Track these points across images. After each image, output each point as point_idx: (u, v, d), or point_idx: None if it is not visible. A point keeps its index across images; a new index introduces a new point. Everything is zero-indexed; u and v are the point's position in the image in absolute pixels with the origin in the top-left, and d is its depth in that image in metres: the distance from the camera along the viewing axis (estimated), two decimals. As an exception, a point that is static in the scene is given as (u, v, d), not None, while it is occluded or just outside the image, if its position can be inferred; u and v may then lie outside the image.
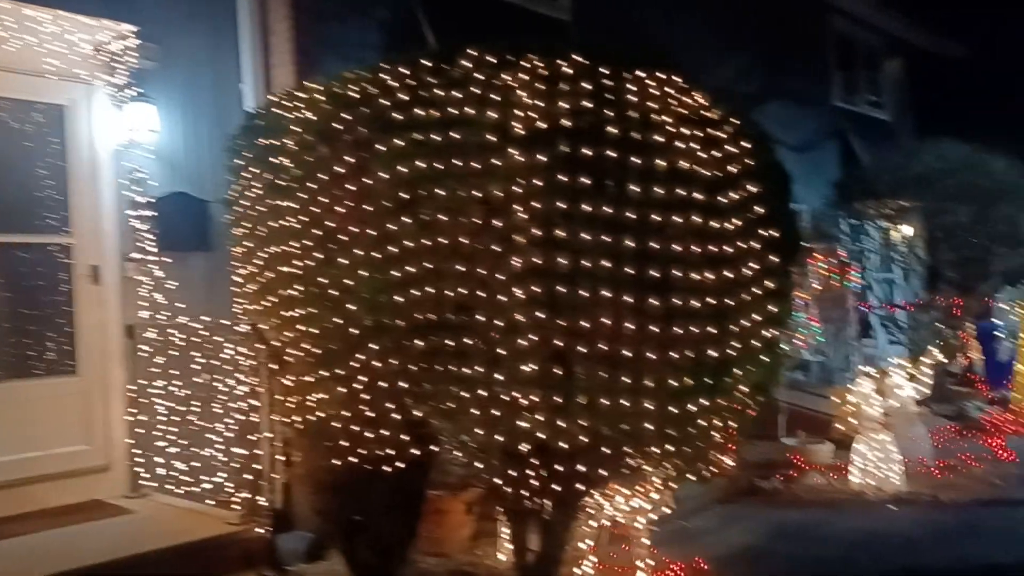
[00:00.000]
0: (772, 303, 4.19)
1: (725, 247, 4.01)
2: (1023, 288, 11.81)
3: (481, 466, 4.26)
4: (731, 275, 4.02)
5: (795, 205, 4.66)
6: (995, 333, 12.15)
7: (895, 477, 8.12)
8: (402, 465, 4.83)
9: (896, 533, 6.64)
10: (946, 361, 9.80)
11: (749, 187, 4.09)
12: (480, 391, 4.02)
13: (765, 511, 7.48)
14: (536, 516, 4.90)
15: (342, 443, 4.69)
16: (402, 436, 4.52)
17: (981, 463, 8.74)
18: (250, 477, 5.01)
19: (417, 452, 4.59)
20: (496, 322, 3.93)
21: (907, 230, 13.39)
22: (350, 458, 4.73)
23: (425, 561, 6.05)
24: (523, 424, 3.97)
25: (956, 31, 16.93)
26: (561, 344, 3.87)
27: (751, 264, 4.09)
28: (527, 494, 4.62)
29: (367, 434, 4.59)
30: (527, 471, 4.09)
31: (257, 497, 4.97)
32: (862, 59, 15.83)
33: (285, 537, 6.45)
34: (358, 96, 4.24)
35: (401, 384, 4.35)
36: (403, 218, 4.09)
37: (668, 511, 5.69)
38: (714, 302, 3.98)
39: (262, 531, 4.97)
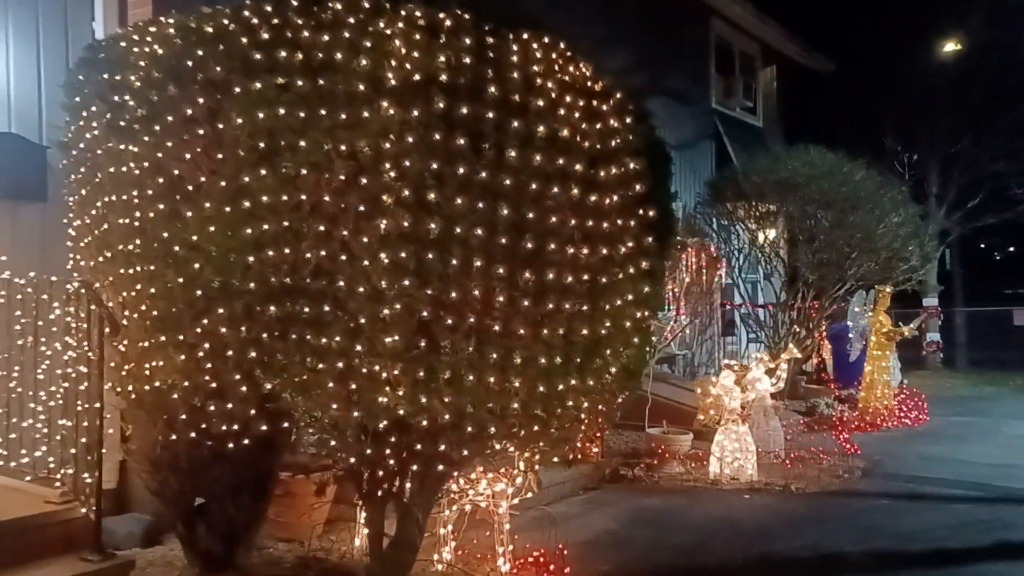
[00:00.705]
0: (645, 284, 4.10)
1: (603, 223, 3.87)
2: (875, 293, 12.45)
3: (336, 444, 3.96)
4: (607, 252, 3.90)
5: (671, 197, 4.62)
6: (847, 335, 12.77)
7: (750, 468, 8.35)
8: (249, 443, 4.46)
9: (750, 521, 6.79)
10: (800, 357, 10.18)
11: (629, 163, 3.97)
12: (337, 363, 3.72)
13: (627, 498, 7.53)
14: (394, 499, 4.66)
15: (182, 417, 4.28)
16: (250, 411, 4.15)
17: (829, 456, 9.12)
18: (75, 452, 4.49)
19: (266, 429, 4.23)
20: (358, 289, 3.64)
21: (772, 233, 13.93)
22: (192, 434, 4.33)
23: (275, 547, 5.68)
24: (383, 400, 3.70)
25: (826, 47, 17.77)
26: (427, 315, 3.63)
27: (627, 242, 3.98)
28: (384, 475, 4.37)
29: (211, 408, 4.19)
30: (385, 450, 3.83)
31: (83, 474, 4.46)
32: (740, 65, 16.34)
33: (119, 519, 5.92)
34: (214, 32, 3.83)
35: (251, 354, 3.98)
36: (260, 171, 3.73)
37: (531, 496, 5.57)
38: (588, 279, 3.84)
39: (86, 511, 4.46)
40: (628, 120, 4.05)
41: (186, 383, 4.14)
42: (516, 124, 3.60)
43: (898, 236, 12.61)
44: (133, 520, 5.86)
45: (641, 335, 4.19)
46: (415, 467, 4.10)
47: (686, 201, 13.66)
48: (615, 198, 3.91)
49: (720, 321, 15.67)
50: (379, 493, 4.60)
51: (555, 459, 4.52)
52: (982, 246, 29.21)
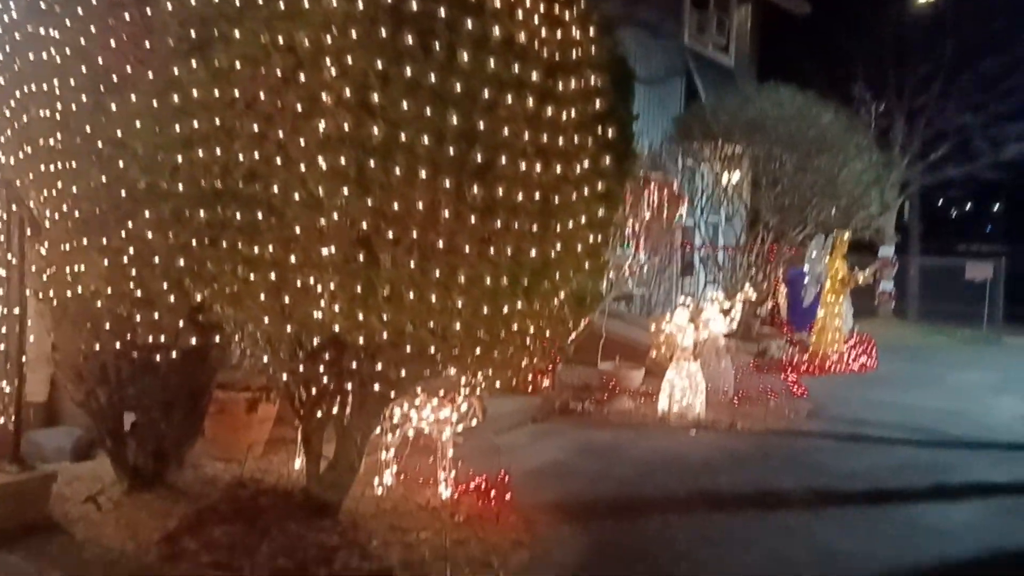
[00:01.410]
0: (600, 207, 3.92)
1: (559, 139, 3.66)
2: (833, 238, 12.45)
3: (269, 360, 3.77)
4: (561, 171, 3.69)
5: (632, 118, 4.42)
6: (803, 280, 12.81)
7: (698, 405, 8.36)
8: (179, 356, 4.26)
9: (695, 456, 6.80)
10: (754, 300, 10.18)
11: (590, 77, 3.75)
12: (270, 274, 3.50)
13: (576, 431, 7.49)
14: (332, 420, 4.51)
15: (107, 326, 4.05)
16: (179, 322, 3.93)
17: (777, 397, 9.19)
18: (-7, 360, 4.26)
19: (197, 342, 4.03)
20: (293, 196, 3.41)
21: (736, 176, 13.81)
22: (117, 344, 4.11)
23: (211, 466, 5.53)
24: (317, 315, 3.51)
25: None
26: (367, 227, 3.42)
27: (583, 162, 3.78)
28: (320, 395, 4.21)
29: (138, 318, 3.96)
30: (319, 368, 3.65)
31: (1, 383, 4.24)
32: (714, 1, 15.96)
33: (49, 432, 5.71)
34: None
35: (180, 262, 3.75)
36: (191, 63, 3.44)
37: (478, 425, 5.47)
38: (540, 198, 3.65)
39: (3, 421, 4.25)
40: (591, 31, 3.80)
41: (110, 290, 3.89)
42: (470, 24, 3.34)
43: (860, 182, 12.59)
44: (64, 434, 5.66)
45: (593, 260, 4.02)
46: (352, 387, 3.93)
47: (652, 137, 13.43)
48: (573, 113, 3.69)
49: (680, 261, 15.68)
50: (316, 413, 4.46)
51: (498, 384, 4.36)
52: (940, 201, 29.46)
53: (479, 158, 3.45)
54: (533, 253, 3.66)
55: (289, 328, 3.56)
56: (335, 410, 4.37)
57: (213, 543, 4.13)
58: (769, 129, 12.07)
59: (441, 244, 3.46)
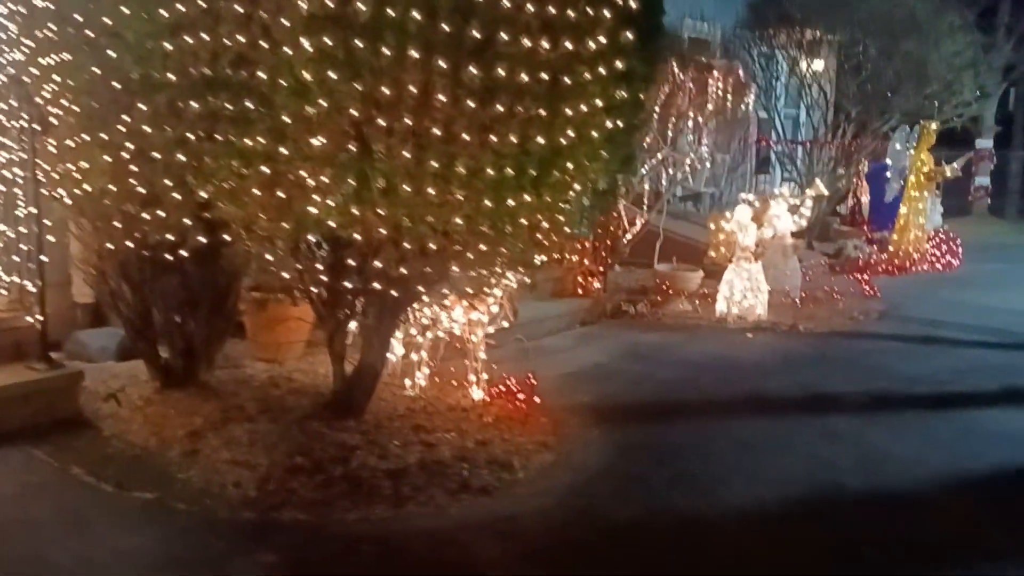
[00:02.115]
0: (620, 88, 3.58)
1: (568, 10, 3.32)
2: (920, 129, 11.56)
3: (271, 258, 3.66)
4: (572, 47, 3.36)
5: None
6: (886, 174, 12.02)
7: (759, 307, 8.01)
8: (197, 255, 4.20)
9: (747, 358, 6.53)
10: (827, 195, 9.57)
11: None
12: (262, 167, 3.35)
13: (624, 333, 7.29)
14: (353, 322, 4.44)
15: (117, 224, 4.00)
16: (184, 220, 3.84)
17: (846, 298, 8.74)
18: (17, 259, 4.29)
19: (204, 240, 3.94)
20: (280, 82, 3.20)
21: (817, 65, 12.89)
22: (129, 243, 4.06)
23: (251, 367, 5.57)
24: (312, 210, 3.35)
25: None
26: (357, 115, 3.20)
27: (598, 37, 3.43)
28: (334, 295, 4.11)
29: (145, 216, 3.90)
30: (316, 266, 3.51)
31: (25, 282, 4.28)
32: None
33: (94, 333, 5.84)
34: None
35: (179, 157, 3.63)
36: (170, -59, 3.22)
37: (522, 327, 5.33)
38: (548, 79, 3.34)
39: (32, 320, 4.31)
40: None
41: (115, 188, 3.82)
42: None
43: (952, 67, 11.56)
44: (108, 335, 5.77)
45: (613, 148, 3.71)
46: (363, 288, 3.80)
47: (724, 23, 12.59)
48: (583, -20, 3.33)
49: (754, 158, 14.93)
50: (336, 314, 4.38)
51: (528, 281, 4.14)
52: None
53: (476, 34, 3.16)
54: (540, 141, 3.38)
55: (286, 225, 3.42)
56: (350, 312, 4.29)
57: (234, 441, 4.16)
58: (851, 10, 11.11)
59: (437, 132, 3.22)
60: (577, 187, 3.69)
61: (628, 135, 3.91)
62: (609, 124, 3.64)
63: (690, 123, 9.39)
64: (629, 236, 9.06)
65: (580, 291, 8.11)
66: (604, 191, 4.00)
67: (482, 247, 3.46)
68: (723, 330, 7.57)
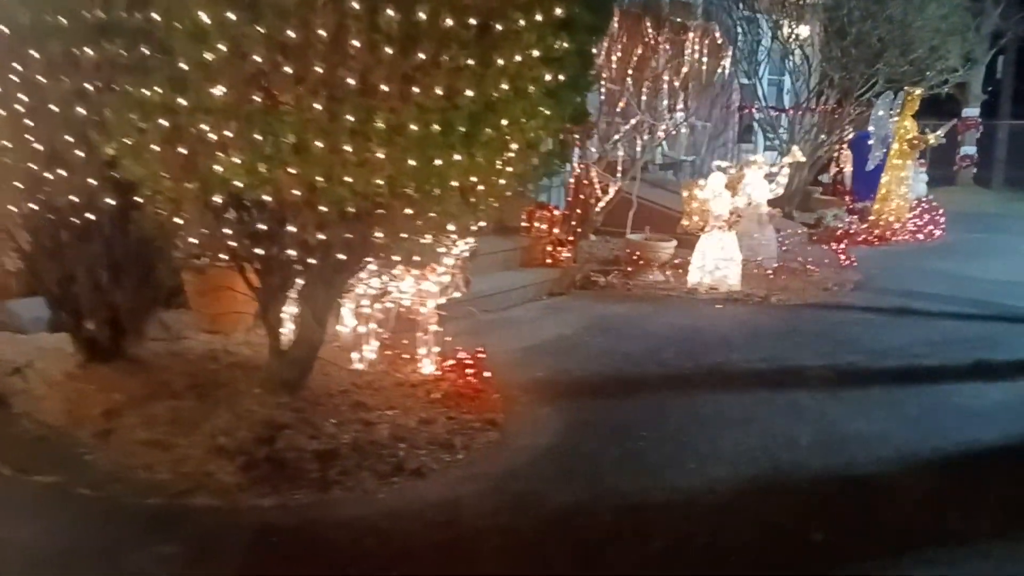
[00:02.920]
0: (559, 38, 3.28)
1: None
2: (903, 96, 11.26)
3: (179, 222, 3.36)
4: (501, -10, 3.05)
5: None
6: (867, 142, 11.74)
7: (732, 277, 7.77)
8: (106, 218, 3.90)
9: (714, 331, 6.28)
10: (803, 161, 9.28)
11: None
12: (161, 121, 3.04)
13: (592, 305, 7.03)
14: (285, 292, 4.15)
15: (20, 185, 3.69)
16: (90, 180, 3.53)
17: (822, 269, 8.51)
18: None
19: (114, 203, 3.64)
20: (176, 25, 2.89)
21: (801, 29, 12.55)
22: (32, 205, 3.75)
23: (196, 338, 5.29)
24: (218, 168, 3.05)
25: None
26: (261, 62, 2.89)
27: (532, -22, 3.12)
28: (264, 263, 3.82)
29: (47, 175, 3.58)
30: (226, 231, 3.22)
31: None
32: None
33: (27, 302, 5.52)
34: None
35: (78, 110, 3.32)
36: None
37: (459, 296, 5.06)
38: (477, 24, 3.03)
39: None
40: None
41: (12, 144, 3.50)
42: None
43: (938, 32, 11.24)
44: (42, 304, 5.48)
45: (556, 105, 3.41)
46: (279, 256, 3.51)
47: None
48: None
49: (736, 126, 14.62)
50: (267, 284, 4.09)
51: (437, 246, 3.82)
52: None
53: (393, -26, 2.85)
54: (470, 94, 3.08)
55: (190, 185, 3.11)
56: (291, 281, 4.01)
57: (154, 419, 3.88)
58: (834, -29, 10.77)
59: (352, 82, 2.92)
60: (515, 146, 3.38)
61: (574, 90, 3.61)
62: (549, 77, 3.33)
63: (665, 87, 9.06)
64: (602, 204, 8.77)
65: (549, 261, 7.85)
66: (552, 152, 3.69)
67: (408, 211, 3.16)
68: (694, 301, 7.34)
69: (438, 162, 3.09)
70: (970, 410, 4.62)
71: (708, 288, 7.69)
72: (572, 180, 8.66)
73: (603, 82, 8.66)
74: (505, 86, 3.16)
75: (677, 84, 9.24)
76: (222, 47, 2.84)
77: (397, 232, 3.24)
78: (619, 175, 8.86)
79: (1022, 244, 10.55)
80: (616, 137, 8.79)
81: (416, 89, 2.96)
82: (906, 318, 6.78)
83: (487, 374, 4.83)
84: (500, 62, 3.09)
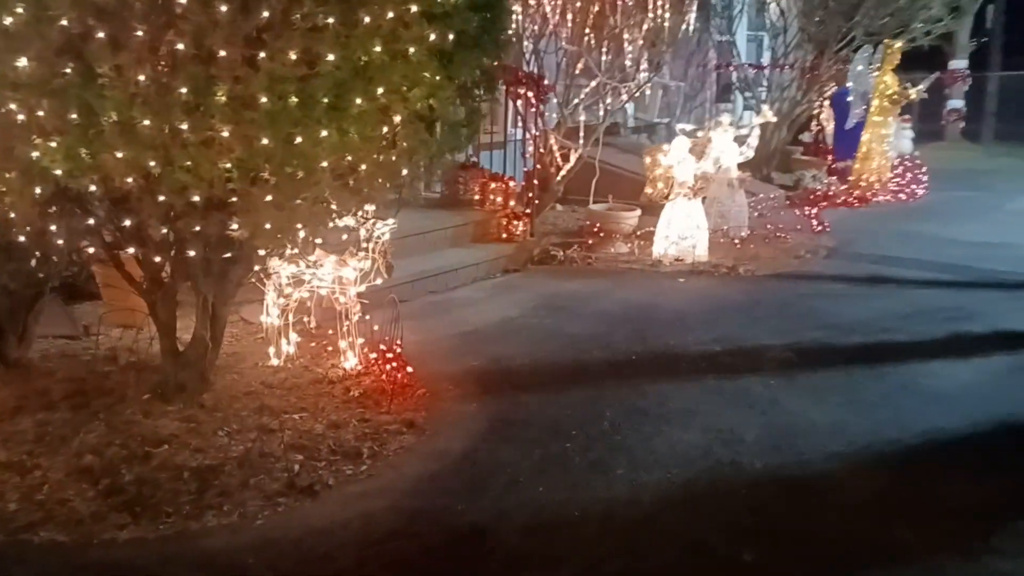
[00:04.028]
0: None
1: None
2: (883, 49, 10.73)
3: (13, 216, 2.91)
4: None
5: None
6: (847, 99, 11.24)
7: (699, 248, 7.34)
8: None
9: (671, 309, 5.86)
10: (774, 121, 8.79)
11: None
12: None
13: (546, 282, 6.61)
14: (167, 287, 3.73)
15: None
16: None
17: (795, 235, 8.08)
18: None
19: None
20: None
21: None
22: None
23: (107, 335, 4.86)
24: (34, 154, 2.60)
25: None
26: (71, 25, 2.43)
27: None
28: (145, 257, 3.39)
29: None
30: (50, 226, 2.78)
31: None
32: None
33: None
34: None
35: None
36: None
37: (380, 283, 4.63)
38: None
39: None
40: None
41: None
42: None
43: (919, -22, 10.70)
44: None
45: (449, 68, 2.95)
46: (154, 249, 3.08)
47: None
48: None
49: (714, 85, 14.07)
50: (152, 280, 3.67)
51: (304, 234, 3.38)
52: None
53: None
54: (332, 58, 2.62)
55: (10, 175, 2.67)
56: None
57: (17, 436, 3.48)
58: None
59: (184, 48, 2.46)
60: (398, 119, 2.93)
61: (474, 51, 3.14)
62: (434, 36, 2.87)
63: (628, 46, 8.53)
64: (563, 173, 8.29)
65: (505, 236, 7.41)
66: (456, 124, 3.24)
67: (268, 198, 2.71)
68: (655, 275, 6.92)
69: (299, 140, 2.64)
70: (935, 393, 4.23)
71: (673, 260, 7.27)
72: (529, 149, 8.18)
73: (563, 43, 8.16)
74: (378, 48, 2.70)
75: (641, 42, 8.70)
76: (21, 9, 2.38)
77: (258, 223, 2.80)
78: (581, 141, 8.37)
79: (1008, 202, 10.11)
80: (576, 101, 8.29)
81: (263, 54, 2.50)
82: (878, 287, 6.36)
83: (412, 368, 4.42)
84: (368, 20, 2.63)
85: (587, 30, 8.11)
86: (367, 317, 4.70)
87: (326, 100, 2.63)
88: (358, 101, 2.70)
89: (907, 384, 4.36)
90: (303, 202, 2.81)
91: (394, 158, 3.07)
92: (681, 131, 7.68)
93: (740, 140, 8.27)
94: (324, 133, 2.69)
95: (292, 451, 3.54)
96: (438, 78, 2.94)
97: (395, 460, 3.56)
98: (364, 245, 4.52)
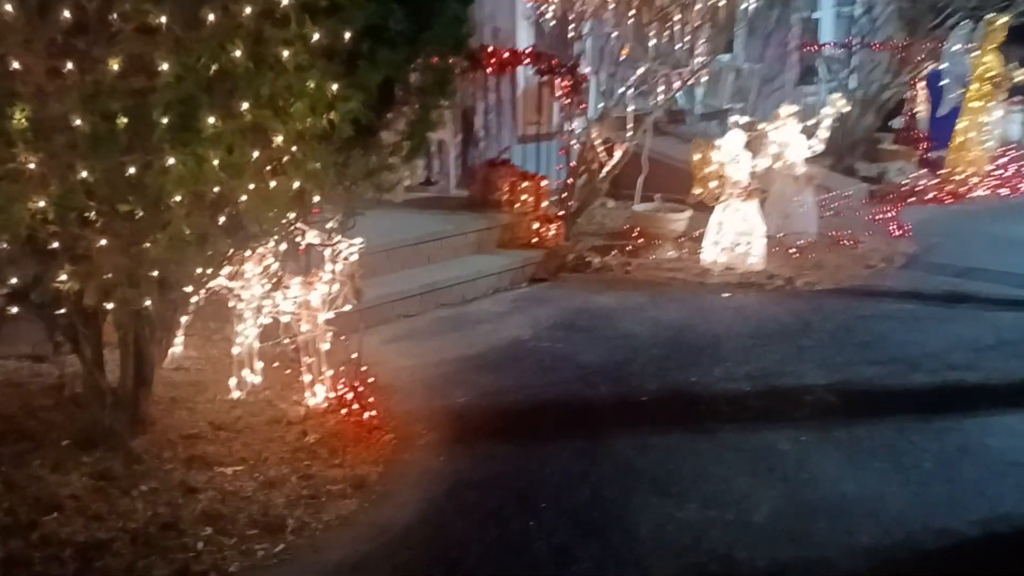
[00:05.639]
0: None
1: None
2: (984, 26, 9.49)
3: None
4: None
5: None
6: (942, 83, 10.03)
7: (754, 255, 6.52)
8: None
9: (708, 331, 5.11)
10: (847, 110, 7.77)
11: None
12: None
13: (575, 294, 5.95)
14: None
15: None
16: None
17: (870, 239, 7.12)
18: None
19: None
20: None
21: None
22: None
23: (32, 367, 4.41)
24: None
25: None
26: None
27: None
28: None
29: None
30: None
31: None
32: None
33: None
34: None
35: None
36: None
37: (349, 307, 4.09)
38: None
39: None
40: None
41: None
42: None
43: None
44: None
45: (323, 77, 2.33)
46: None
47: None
48: None
49: (796, 67, 12.94)
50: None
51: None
52: None
53: None
54: (165, 67, 2.05)
55: None
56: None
57: None
58: None
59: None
60: (279, 139, 2.34)
61: (399, 49, 2.51)
62: (318, 36, 2.25)
63: (680, 28, 7.69)
64: (607, 169, 7.55)
65: (536, 240, 6.76)
66: (378, 143, 2.62)
67: (103, 242, 2.18)
68: (699, 288, 6.15)
69: (131, 171, 2.08)
70: (1007, 460, 3.39)
71: (724, 269, 6.47)
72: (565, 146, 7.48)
73: (607, 26, 7.42)
74: (237, 53, 2.10)
75: (699, 23, 7.84)
76: None
77: (93, 272, 2.27)
78: (629, 133, 7.60)
79: None
80: (621, 90, 7.52)
81: (70, 65, 1.95)
82: (957, 308, 5.42)
83: (391, 402, 3.90)
84: (212, 18, 2.04)
85: (632, 10, 7.33)
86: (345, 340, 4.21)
87: (166, 120, 2.06)
88: (211, 120, 2.12)
89: (970, 446, 3.52)
90: (155, 244, 2.27)
91: (297, 183, 2.47)
92: (735, 124, 6.84)
93: (809, 131, 7.35)
94: (171, 161, 2.12)
95: (203, 522, 3.04)
96: (335, 87, 2.33)
97: (323, 537, 3.01)
98: (329, 267, 4.00)
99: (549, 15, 7.41)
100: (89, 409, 3.57)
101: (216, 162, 2.20)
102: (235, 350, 4.16)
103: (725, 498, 3.18)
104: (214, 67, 2.09)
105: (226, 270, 3.61)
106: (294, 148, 2.38)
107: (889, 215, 7.72)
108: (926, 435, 3.65)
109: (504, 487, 3.32)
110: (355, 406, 3.93)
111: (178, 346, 4.40)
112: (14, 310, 2.49)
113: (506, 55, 7.18)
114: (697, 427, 3.80)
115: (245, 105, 2.20)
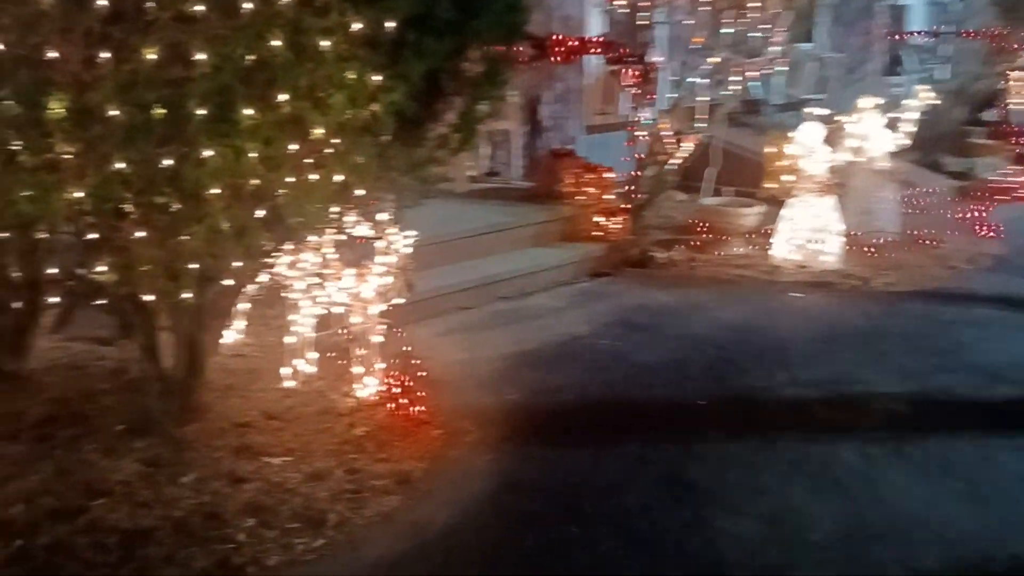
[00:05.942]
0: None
1: None
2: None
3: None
4: None
5: None
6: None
7: (829, 254, 6.25)
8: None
9: (774, 333, 4.89)
10: (934, 103, 7.33)
11: None
12: None
13: (636, 290, 5.79)
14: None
15: None
16: None
17: (955, 239, 6.74)
18: None
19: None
20: None
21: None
22: None
23: (98, 351, 4.50)
24: None
25: None
26: None
27: None
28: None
29: None
30: None
31: None
32: None
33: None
34: None
35: None
36: None
37: (402, 300, 4.04)
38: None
39: None
40: None
41: None
42: None
43: None
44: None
45: (364, 67, 2.25)
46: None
47: None
48: None
49: (880, 56, 12.39)
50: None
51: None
52: None
53: None
54: (203, 57, 2.00)
55: None
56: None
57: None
58: None
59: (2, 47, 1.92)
60: (320, 131, 2.28)
61: (444, 39, 2.42)
62: (361, 25, 2.18)
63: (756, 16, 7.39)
64: (675, 161, 7.32)
65: (599, 233, 6.60)
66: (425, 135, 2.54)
67: (140, 233, 2.16)
68: (768, 286, 5.91)
69: (168, 162, 2.05)
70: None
71: (796, 267, 6.22)
72: (635, 134, 7.28)
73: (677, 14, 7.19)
74: (275, 43, 2.05)
75: (775, 12, 7.53)
76: None
77: (130, 264, 2.25)
78: (702, 125, 7.36)
79: None
80: (691, 80, 7.29)
81: (107, 54, 1.92)
82: (1048, 315, 5.08)
83: (440, 398, 3.84)
84: (250, 6, 1.99)
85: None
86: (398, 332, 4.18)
87: (203, 111, 2.02)
88: (248, 112, 2.07)
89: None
90: (193, 237, 2.24)
91: (337, 177, 2.42)
92: (811, 116, 6.55)
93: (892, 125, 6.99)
94: (208, 152, 2.08)
95: (247, 513, 3.02)
96: (377, 78, 2.26)
97: (362, 533, 2.97)
98: (381, 259, 3.96)
99: (620, 2, 7.23)
100: (142, 395, 3.61)
101: (254, 154, 2.15)
102: (290, 339, 4.17)
103: (783, 512, 3.01)
104: (252, 57, 2.04)
105: (285, 259, 3.64)
106: (335, 140, 2.31)
107: (976, 213, 7.28)
108: (1008, 452, 3.39)
109: (549, 490, 3.22)
110: (404, 400, 3.90)
111: (238, 333, 4.45)
112: (55, 299, 2.49)
113: (574, 43, 7.03)
114: (756, 435, 3.62)
115: (283, 96, 2.15)
